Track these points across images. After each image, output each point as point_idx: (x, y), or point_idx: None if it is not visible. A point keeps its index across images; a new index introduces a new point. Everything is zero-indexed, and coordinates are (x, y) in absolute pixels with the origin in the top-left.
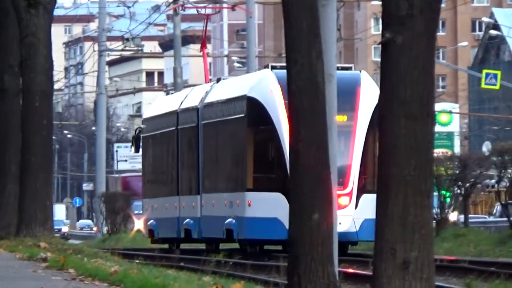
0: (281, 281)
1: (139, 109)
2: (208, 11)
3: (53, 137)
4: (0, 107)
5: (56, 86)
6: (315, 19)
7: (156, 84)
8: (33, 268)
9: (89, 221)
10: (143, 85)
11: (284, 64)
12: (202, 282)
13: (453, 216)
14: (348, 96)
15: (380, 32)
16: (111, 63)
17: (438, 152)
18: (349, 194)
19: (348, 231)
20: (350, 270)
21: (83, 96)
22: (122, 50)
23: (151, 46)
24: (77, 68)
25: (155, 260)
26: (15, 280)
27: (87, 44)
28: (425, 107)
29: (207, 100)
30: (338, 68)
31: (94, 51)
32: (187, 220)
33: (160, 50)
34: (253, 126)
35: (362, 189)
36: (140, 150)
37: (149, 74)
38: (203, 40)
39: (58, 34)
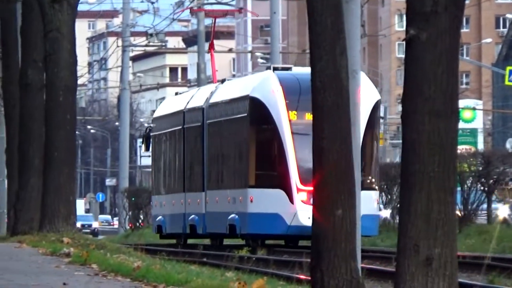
0: (304, 277)
1: None
2: (218, 13)
3: (77, 132)
4: (24, 101)
5: (79, 81)
6: (339, 15)
7: (179, 80)
8: (56, 263)
9: (107, 216)
10: (167, 80)
11: (285, 66)
12: (225, 278)
13: (503, 211)
14: None
15: (404, 28)
16: (134, 59)
17: (461, 148)
18: None
19: None
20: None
21: (106, 91)
22: (146, 45)
23: (175, 42)
24: (100, 63)
25: (178, 256)
26: (38, 275)
27: (111, 40)
28: (449, 103)
29: (212, 100)
30: None
31: (117, 46)
32: (192, 216)
33: (184, 46)
34: (255, 125)
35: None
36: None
37: (173, 70)
38: (211, 41)
39: (82, 29)
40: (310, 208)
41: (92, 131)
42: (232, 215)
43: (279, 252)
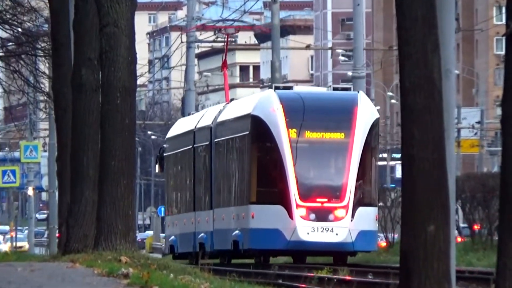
0: None
1: None
2: (230, 30)
3: (136, 139)
4: (77, 104)
5: (139, 82)
6: (431, 7)
7: (251, 80)
8: (113, 285)
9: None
10: (237, 80)
11: (287, 85)
12: None
13: None
14: (346, 115)
15: (503, 22)
16: (200, 56)
17: None
18: (346, 207)
19: (345, 241)
20: None
21: (169, 93)
22: (213, 41)
23: (246, 37)
24: (162, 61)
25: (250, 277)
26: None
27: (174, 35)
28: None
29: (219, 120)
30: (338, 89)
31: (181, 42)
32: (202, 234)
33: (256, 42)
34: (256, 142)
35: (358, 202)
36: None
37: (244, 69)
38: (223, 60)
39: (142, 23)
40: (309, 223)
41: (153, 137)
42: (236, 232)
43: (362, 273)
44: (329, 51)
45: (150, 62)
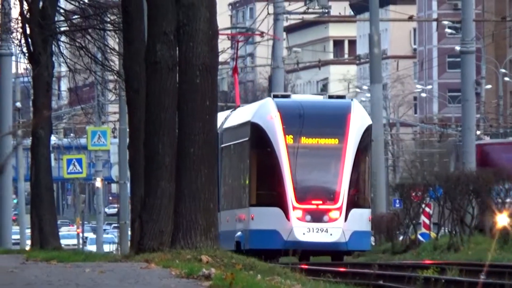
0: None
1: (325, 87)
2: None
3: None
4: (151, 84)
5: (220, 59)
6: None
7: (346, 56)
8: (193, 287)
9: None
10: (330, 56)
11: (284, 93)
12: None
13: None
14: (340, 122)
15: None
16: (289, 30)
17: None
18: (340, 209)
19: (339, 241)
20: None
21: (254, 71)
22: (304, 12)
23: (340, 8)
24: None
25: (347, 278)
26: None
27: (259, 6)
28: None
29: (225, 126)
30: (333, 97)
31: (268, 14)
32: None
33: (352, 13)
34: (255, 148)
35: (351, 205)
36: None
37: (338, 43)
38: (234, 65)
39: None
40: (305, 224)
41: None
42: (238, 233)
43: (473, 272)
44: (434, 23)
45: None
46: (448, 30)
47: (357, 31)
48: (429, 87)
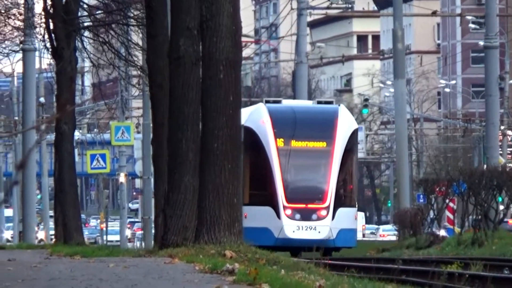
0: None
1: (348, 82)
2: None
3: None
4: (174, 79)
5: (244, 54)
6: None
7: (370, 51)
8: (217, 283)
9: None
10: (354, 52)
11: (276, 99)
12: None
13: None
14: (328, 126)
15: None
16: (313, 25)
17: None
18: (327, 208)
19: (326, 238)
20: None
21: (277, 66)
22: (328, 8)
23: (364, 3)
24: (270, 30)
25: (371, 273)
26: None
27: (283, 0)
28: None
29: None
30: (321, 102)
31: (292, 9)
32: None
33: (375, 8)
34: (248, 151)
35: (338, 204)
36: None
37: (362, 38)
38: None
39: None
40: (294, 222)
41: None
42: None
43: (497, 267)
44: (458, 18)
45: (257, 32)
46: (471, 25)
47: (381, 26)
48: (453, 82)
